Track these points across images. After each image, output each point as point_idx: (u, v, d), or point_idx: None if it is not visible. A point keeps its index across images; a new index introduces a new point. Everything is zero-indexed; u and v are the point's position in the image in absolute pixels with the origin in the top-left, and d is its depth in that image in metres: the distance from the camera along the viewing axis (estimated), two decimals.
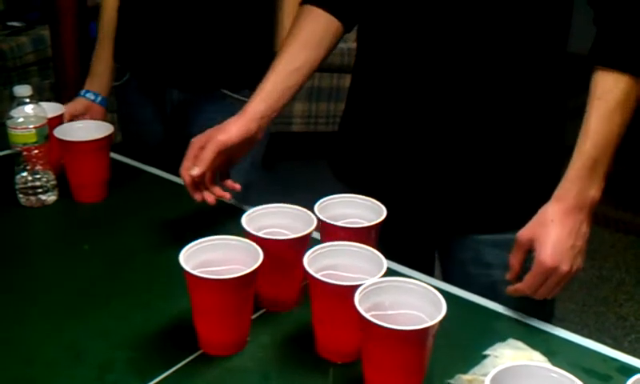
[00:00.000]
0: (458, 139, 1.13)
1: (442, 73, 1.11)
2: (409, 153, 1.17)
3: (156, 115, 1.69)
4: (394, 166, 1.19)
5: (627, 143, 1.10)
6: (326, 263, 0.95)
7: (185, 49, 1.60)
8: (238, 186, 1.21)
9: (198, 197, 1.16)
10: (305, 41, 1.22)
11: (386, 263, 0.92)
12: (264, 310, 1.04)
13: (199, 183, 1.16)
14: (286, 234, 1.01)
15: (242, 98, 1.61)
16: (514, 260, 1.05)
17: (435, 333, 0.82)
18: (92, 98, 1.64)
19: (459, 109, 1.12)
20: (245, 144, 1.18)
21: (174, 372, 0.92)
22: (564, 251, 1.01)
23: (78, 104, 1.61)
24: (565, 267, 1.01)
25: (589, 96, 1.03)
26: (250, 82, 1.62)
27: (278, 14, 1.77)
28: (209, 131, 1.18)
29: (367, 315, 0.81)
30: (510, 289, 1.06)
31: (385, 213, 1.07)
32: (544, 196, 1.05)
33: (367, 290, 0.86)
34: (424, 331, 0.81)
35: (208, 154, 1.13)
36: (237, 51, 1.62)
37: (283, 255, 0.99)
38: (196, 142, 1.16)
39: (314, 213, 1.05)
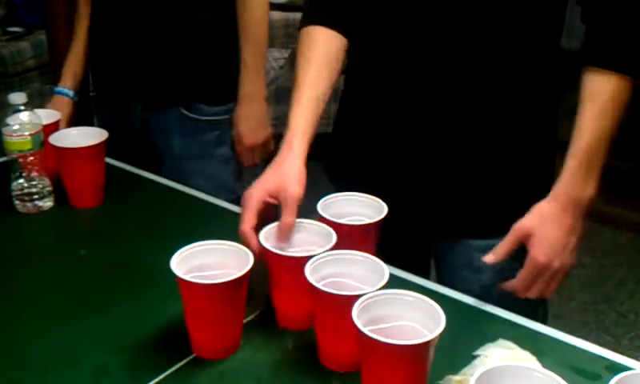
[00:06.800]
0: (451, 140, 1.13)
1: (434, 72, 1.11)
2: (400, 155, 1.17)
3: (117, 127, 1.68)
4: (385, 168, 1.19)
5: (627, 140, 1.10)
6: (329, 272, 0.95)
7: (147, 64, 1.61)
8: None
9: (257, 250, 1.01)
10: (322, 64, 1.19)
11: (387, 273, 0.91)
12: (257, 313, 1.05)
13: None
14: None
15: (202, 117, 1.63)
16: (502, 247, 1.04)
17: (435, 346, 0.81)
18: (69, 94, 1.69)
19: (451, 109, 1.12)
20: None
21: (167, 376, 0.93)
22: (558, 249, 1.03)
23: (57, 106, 1.63)
24: (557, 264, 1.03)
25: (580, 96, 1.04)
26: (208, 97, 1.63)
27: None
28: (266, 183, 1.07)
29: (365, 330, 0.79)
30: (503, 285, 1.07)
31: (386, 210, 1.07)
32: (536, 202, 1.05)
33: (366, 302, 0.85)
34: (423, 346, 0.79)
35: (293, 216, 1.04)
36: (198, 66, 1.62)
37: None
38: (254, 196, 1.06)
39: (313, 212, 1.06)
